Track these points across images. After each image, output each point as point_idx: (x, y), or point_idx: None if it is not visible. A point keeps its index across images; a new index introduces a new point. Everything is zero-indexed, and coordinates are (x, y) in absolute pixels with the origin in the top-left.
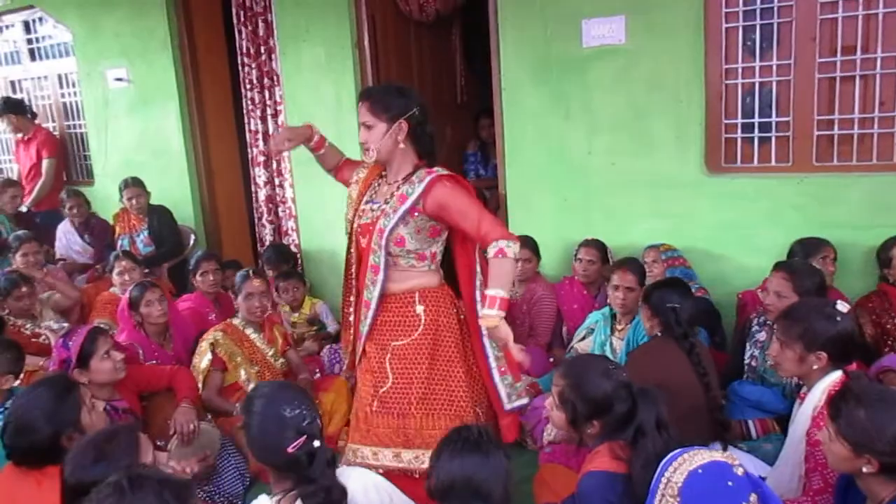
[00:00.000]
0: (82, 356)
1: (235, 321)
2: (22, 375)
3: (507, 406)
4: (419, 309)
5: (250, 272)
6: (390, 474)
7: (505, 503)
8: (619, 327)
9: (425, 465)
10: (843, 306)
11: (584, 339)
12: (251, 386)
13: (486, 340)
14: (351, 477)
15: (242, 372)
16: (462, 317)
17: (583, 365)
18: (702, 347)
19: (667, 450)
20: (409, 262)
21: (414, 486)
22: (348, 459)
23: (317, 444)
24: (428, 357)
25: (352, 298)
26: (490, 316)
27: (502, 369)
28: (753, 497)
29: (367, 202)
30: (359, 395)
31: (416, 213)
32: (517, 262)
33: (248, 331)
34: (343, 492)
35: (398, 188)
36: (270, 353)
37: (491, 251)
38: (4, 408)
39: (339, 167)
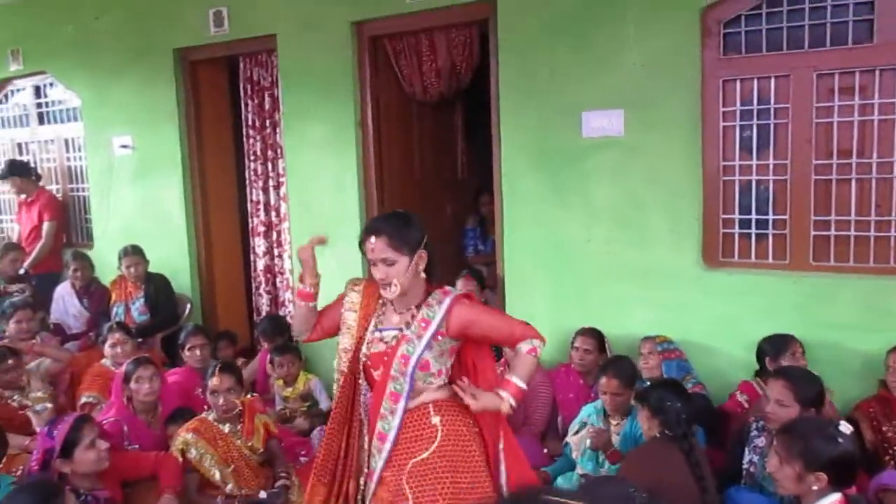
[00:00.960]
0: (66, 445)
1: (210, 417)
2: (3, 460)
3: None
4: (435, 420)
5: (216, 368)
6: None
7: None
8: (614, 422)
9: None
10: (845, 428)
11: (577, 432)
12: (229, 486)
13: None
14: None
15: (217, 473)
16: (477, 428)
17: (606, 492)
18: (700, 450)
19: None
20: (427, 381)
21: None
22: None
23: None
24: (450, 470)
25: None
26: (505, 399)
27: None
28: None
29: (375, 331)
30: None
31: (439, 337)
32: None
33: (224, 426)
34: None
35: (417, 312)
36: (248, 447)
37: (524, 347)
38: None
39: (317, 321)
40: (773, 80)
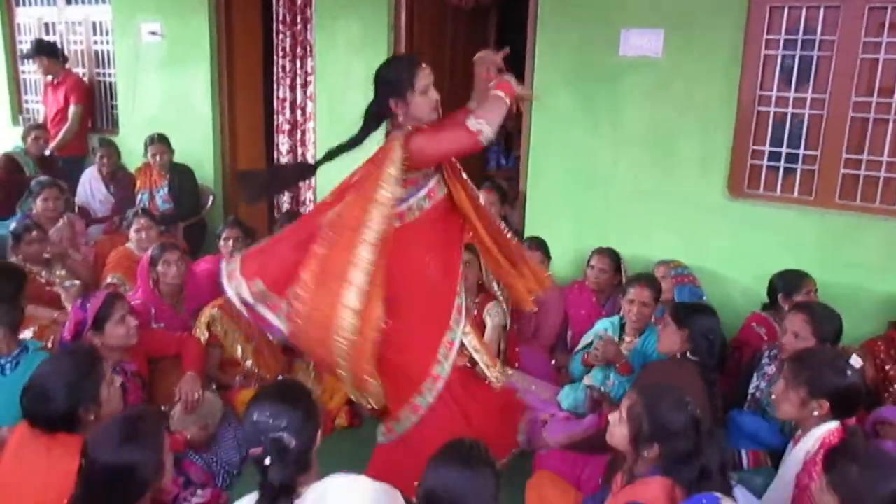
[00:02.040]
0: (98, 319)
1: None
2: (35, 328)
3: None
4: None
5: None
6: None
7: None
8: (626, 339)
9: None
10: (856, 361)
11: (590, 345)
12: (249, 363)
13: None
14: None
15: (239, 349)
16: None
17: (662, 389)
18: (716, 381)
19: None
20: None
21: None
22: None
23: (267, 461)
24: None
25: None
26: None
27: None
28: None
29: None
30: None
31: None
32: None
33: None
34: None
35: None
36: None
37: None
38: (12, 357)
39: None
40: (822, 10)
